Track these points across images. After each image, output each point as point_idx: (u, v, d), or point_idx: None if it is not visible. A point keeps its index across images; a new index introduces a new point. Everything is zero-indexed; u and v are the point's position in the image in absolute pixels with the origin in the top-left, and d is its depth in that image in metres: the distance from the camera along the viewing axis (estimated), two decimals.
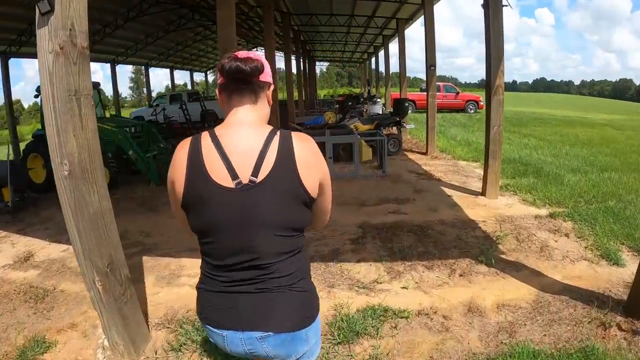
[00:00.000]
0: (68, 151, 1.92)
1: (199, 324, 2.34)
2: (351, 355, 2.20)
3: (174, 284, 3.16)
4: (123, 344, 2.23)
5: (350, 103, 15.18)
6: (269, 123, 1.19)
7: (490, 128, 4.88)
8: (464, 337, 2.32)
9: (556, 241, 3.58)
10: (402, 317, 2.50)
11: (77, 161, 1.95)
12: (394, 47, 14.01)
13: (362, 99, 16.74)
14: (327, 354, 2.20)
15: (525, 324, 2.40)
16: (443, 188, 5.50)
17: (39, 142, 6.69)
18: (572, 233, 3.73)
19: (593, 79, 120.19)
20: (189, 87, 33.87)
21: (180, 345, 2.34)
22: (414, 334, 2.36)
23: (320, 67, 56.21)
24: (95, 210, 2.04)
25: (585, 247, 3.42)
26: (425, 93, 9.01)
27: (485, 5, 4.63)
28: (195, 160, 1.07)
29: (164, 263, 3.54)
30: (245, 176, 1.05)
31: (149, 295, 2.98)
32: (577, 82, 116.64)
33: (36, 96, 6.89)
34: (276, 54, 11.35)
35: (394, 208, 4.69)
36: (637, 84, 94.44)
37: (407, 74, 11.98)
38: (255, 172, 1.05)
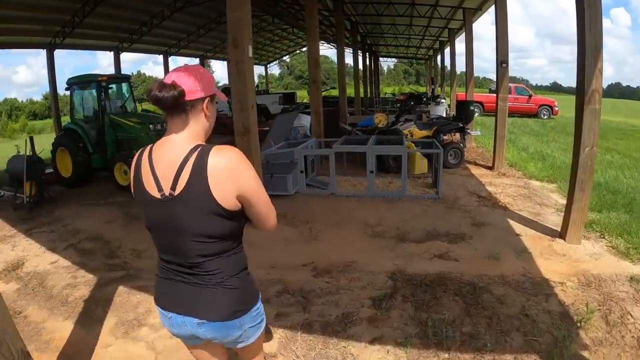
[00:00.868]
0: None
1: None
2: None
3: (131, 336, 2.65)
4: None
5: (412, 103, 13.94)
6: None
7: (580, 149, 3.58)
8: None
9: None
10: None
11: None
12: (461, 46, 12.58)
13: (424, 99, 15.36)
14: None
15: None
16: (510, 221, 4.37)
17: (67, 135, 6.78)
18: None
19: None
20: None
21: None
22: None
23: (387, 63, 54.41)
24: None
25: None
26: (494, 94, 7.69)
27: None
28: (137, 170, 1.26)
29: (135, 301, 3.08)
30: (167, 189, 1.20)
31: (98, 349, 2.51)
32: None
33: (67, 89, 7.05)
34: (331, 46, 10.62)
35: (442, 249, 3.74)
36: None
37: (476, 74, 10.56)
38: (173, 187, 1.19)
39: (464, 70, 10.66)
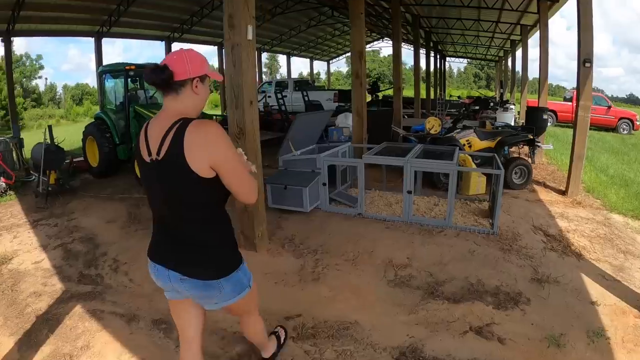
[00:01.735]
0: None
1: None
2: None
3: None
4: None
5: (477, 107, 12.34)
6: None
7: None
8: None
9: None
10: None
11: None
12: (533, 52, 10.98)
13: (492, 104, 13.63)
14: None
15: None
16: (584, 278, 3.19)
17: (96, 125, 6.58)
18: None
19: None
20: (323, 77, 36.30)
21: None
22: None
23: (457, 65, 51.30)
24: None
25: None
26: (568, 103, 6.22)
27: None
28: (139, 137, 1.47)
29: (80, 330, 2.64)
30: (154, 153, 1.38)
31: None
32: None
33: (99, 77, 6.86)
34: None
35: (484, 317, 2.69)
36: None
37: (548, 81, 8.94)
38: (158, 152, 1.37)
39: (536, 76, 9.20)
